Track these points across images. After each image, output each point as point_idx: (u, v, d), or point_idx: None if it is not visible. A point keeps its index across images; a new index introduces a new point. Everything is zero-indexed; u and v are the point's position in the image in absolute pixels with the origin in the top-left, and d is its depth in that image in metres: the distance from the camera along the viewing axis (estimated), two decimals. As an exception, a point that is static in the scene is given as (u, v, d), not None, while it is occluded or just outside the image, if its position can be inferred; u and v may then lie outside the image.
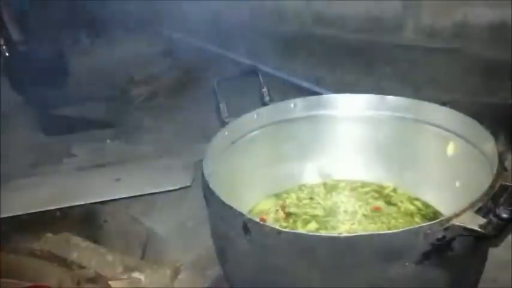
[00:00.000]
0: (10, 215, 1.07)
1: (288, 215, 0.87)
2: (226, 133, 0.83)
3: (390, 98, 0.89)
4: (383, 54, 1.40)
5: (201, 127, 1.38)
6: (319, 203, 0.90)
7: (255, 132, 0.88)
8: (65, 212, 1.12)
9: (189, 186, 1.14)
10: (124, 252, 0.98)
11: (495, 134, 0.73)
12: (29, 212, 1.10)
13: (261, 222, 0.62)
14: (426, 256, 0.56)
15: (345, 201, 0.90)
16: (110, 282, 0.88)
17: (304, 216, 0.86)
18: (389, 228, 0.82)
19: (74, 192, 1.17)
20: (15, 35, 1.72)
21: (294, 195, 0.92)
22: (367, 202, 0.89)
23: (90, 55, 2.05)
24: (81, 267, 0.94)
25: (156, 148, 1.43)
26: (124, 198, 1.14)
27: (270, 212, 0.88)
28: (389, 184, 0.92)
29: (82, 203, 1.12)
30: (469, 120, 0.78)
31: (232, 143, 0.84)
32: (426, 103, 0.85)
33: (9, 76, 1.73)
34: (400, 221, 0.84)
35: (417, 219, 0.84)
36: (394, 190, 0.91)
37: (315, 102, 0.92)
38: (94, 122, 1.67)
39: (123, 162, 1.35)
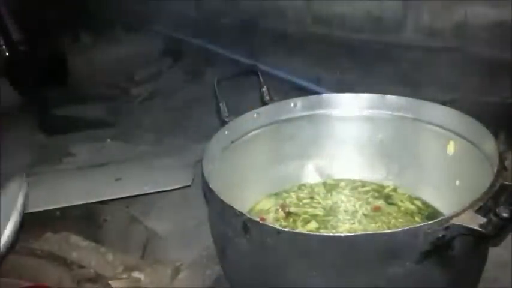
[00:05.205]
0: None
1: (288, 214, 0.87)
2: (226, 132, 0.83)
3: (390, 97, 0.89)
4: (383, 54, 1.40)
5: (201, 127, 1.38)
6: (319, 203, 0.90)
7: (255, 132, 0.88)
8: (65, 211, 1.12)
9: (189, 186, 1.14)
10: (124, 252, 0.98)
11: (495, 133, 0.73)
12: (29, 211, 1.10)
13: (261, 222, 0.63)
14: (426, 255, 0.56)
15: (345, 201, 0.90)
16: (109, 282, 0.88)
17: (304, 216, 0.86)
18: (389, 228, 0.82)
19: (74, 192, 1.17)
20: (15, 34, 1.72)
21: (294, 195, 0.92)
22: (367, 201, 0.89)
23: (90, 54, 2.05)
24: (81, 267, 0.94)
25: (156, 148, 1.43)
26: (124, 197, 1.14)
27: (270, 211, 0.88)
28: (389, 183, 0.92)
29: (82, 202, 1.12)
30: (469, 119, 0.78)
31: (232, 142, 0.84)
32: (426, 102, 0.85)
33: (9, 76, 1.73)
34: (400, 220, 0.84)
35: (417, 218, 0.84)
36: (394, 189, 0.91)
37: (315, 102, 0.92)
38: (94, 121, 1.67)
39: (123, 162, 1.35)
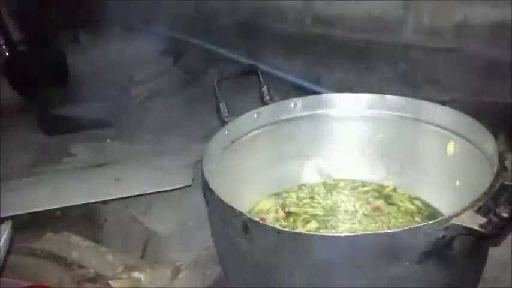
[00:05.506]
0: (10, 214, 1.07)
1: (288, 214, 0.87)
2: (226, 132, 0.83)
3: (390, 97, 0.89)
4: (383, 54, 1.40)
5: (201, 127, 1.38)
6: (319, 203, 0.90)
7: (255, 132, 0.88)
8: (65, 211, 1.12)
9: (189, 186, 1.14)
10: (124, 252, 0.98)
11: (495, 134, 0.73)
12: (29, 212, 1.10)
13: (261, 222, 0.63)
14: (426, 255, 0.56)
15: (345, 201, 0.90)
16: (109, 282, 0.88)
17: (304, 216, 0.86)
18: (389, 228, 0.82)
19: (74, 192, 1.17)
20: (15, 34, 1.72)
21: (294, 195, 0.92)
22: (367, 201, 0.89)
23: (90, 54, 2.05)
24: (81, 266, 0.94)
25: (156, 148, 1.43)
26: (124, 197, 1.14)
27: (270, 211, 0.89)
28: (389, 183, 0.92)
29: (82, 202, 1.12)
30: (469, 119, 0.78)
31: (232, 142, 0.84)
32: (426, 102, 0.85)
33: (9, 76, 1.73)
34: (400, 220, 0.84)
35: (417, 218, 0.84)
36: (394, 189, 0.91)
37: (315, 102, 0.92)
38: (94, 121, 1.67)
39: (123, 162, 1.35)
